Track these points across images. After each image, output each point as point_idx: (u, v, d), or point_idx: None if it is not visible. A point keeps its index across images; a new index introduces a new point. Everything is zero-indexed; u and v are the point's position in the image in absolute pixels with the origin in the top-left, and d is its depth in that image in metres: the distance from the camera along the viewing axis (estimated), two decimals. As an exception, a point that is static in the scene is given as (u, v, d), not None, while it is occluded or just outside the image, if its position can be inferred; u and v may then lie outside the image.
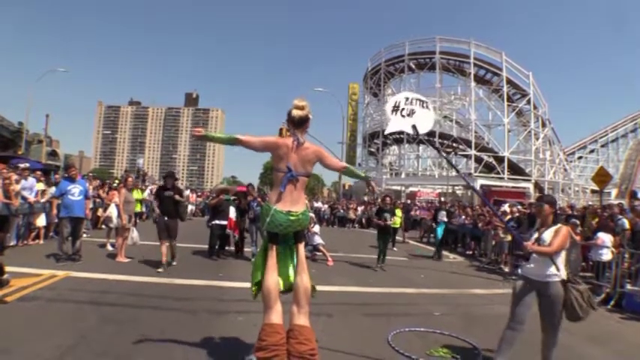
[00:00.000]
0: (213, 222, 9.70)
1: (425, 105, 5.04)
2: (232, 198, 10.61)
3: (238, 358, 3.70)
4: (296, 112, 3.31)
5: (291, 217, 3.23)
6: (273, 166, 3.37)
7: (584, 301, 3.68)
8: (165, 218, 7.96)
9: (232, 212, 10.05)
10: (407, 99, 5.00)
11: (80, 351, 3.66)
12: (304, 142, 3.30)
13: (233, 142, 3.35)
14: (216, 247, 9.74)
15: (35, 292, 5.46)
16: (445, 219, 13.68)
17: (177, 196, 8.13)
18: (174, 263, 8.19)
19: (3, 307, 4.74)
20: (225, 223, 9.72)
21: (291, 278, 3.33)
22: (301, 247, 3.38)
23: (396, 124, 5.13)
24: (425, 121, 5.05)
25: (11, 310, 4.72)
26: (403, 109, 4.92)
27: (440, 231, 13.35)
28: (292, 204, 3.26)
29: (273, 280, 3.17)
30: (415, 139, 43.62)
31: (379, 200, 14.90)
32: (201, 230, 10.51)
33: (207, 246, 9.81)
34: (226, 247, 10.23)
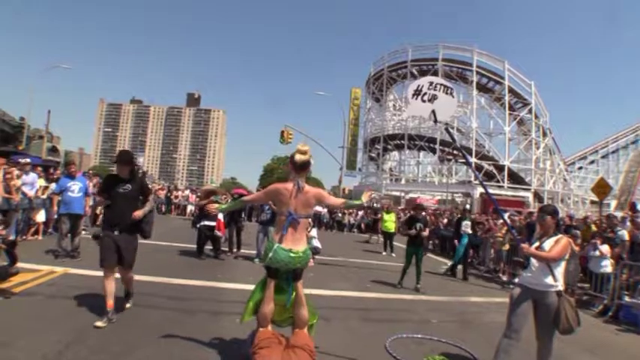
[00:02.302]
0: (202, 223, 9.70)
1: (449, 91, 4.90)
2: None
3: (236, 357, 3.72)
4: (299, 157, 3.49)
5: (292, 255, 3.41)
6: (276, 209, 3.65)
7: (575, 314, 3.69)
8: (115, 232, 4.58)
9: (220, 213, 10.11)
10: (431, 83, 4.88)
11: (78, 347, 3.66)
12: (304, 187, 3.47)
13: (241, 204, 4.01)
14: (204, 247, 9.77)
15: (34, 288, 5.46)
16: (469, 230, 11.30)
17: (139, 212, 4.71)
18: (129, 305, 5.07)
19: (2, 301, 4.75)
20: (213, 224, 9.74)
21: (286, 314, 3.64)
22: (300, 284, 3.53)
23: (415, 108, 5.05)
24: (446, 108, 4.92)
25: (10, 304, 4.72)
26: (425, 93, 4.80)
27: (463, 245, 11.10)
28: (294, 243, 3.45)
29: (269, 308, 3.46)
30: (422, 138, 43.72)
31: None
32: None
33: (208, 247, 9.84)
34: (222, 249, 10.23)
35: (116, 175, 4.77)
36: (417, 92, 4.84)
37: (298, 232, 3.48)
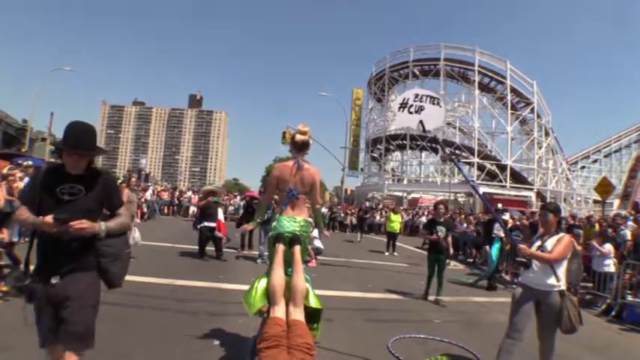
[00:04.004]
0: (202, 224, 9.72)
1: (436, 101, 4.95)
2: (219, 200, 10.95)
3: (239, 358, 3.73)
4: (299, 137, 3.67)
5: (294, 221, 3.58)
6: (278, 186, 3.71)
7: (577, 314, 3.67)
8: (53, 281, 2.35)
9: (220, 214, 10.21)
10: (416, 96, 4.94)
11: (80, 349, 3.66)
12: (303, 165, 3.65)
13: (267, 204, 4.03)
14: (206, 248, 9.79)
15: (36, 290, 5.47)
16: (502, 233, 9.80)
17: (91, 224, 2.34)
18: None
19: (3, 304, 4.76)
20: (213, 225, 9.77)
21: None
22: (297, 249, 3.50)
23: (402, 120, 5.11)
24: (434, 117, 4.97)
25: (11, 306, 4.73)
26: (411, 105, 4.86)
27: (495, 252, 9.75)
28: (294, 215, 3.63)
29: (279, 277, 3.31)
30: (424, 138, 43.79)
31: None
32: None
33: (210, 249, 9.87)
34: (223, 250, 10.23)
35: (59, 168, 2.46)
36: (404, 105, 4.91)
37: (298, 207, 3.65)
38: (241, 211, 12.89)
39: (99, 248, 2.46)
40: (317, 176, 3.72)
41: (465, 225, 16.13)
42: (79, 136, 2.41)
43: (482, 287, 9.57)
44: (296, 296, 3.27)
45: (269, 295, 3.30)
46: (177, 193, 25.94)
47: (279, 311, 3.19)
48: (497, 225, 9.86)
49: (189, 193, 26.17)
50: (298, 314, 3.22)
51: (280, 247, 3.47)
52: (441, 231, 7.51)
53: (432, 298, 7.52)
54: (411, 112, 4.85)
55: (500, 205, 11.03)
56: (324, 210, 25.22)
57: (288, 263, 3.49)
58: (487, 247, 10.04)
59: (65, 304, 2.35)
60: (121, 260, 2.59)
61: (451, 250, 7.77)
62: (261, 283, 3.45)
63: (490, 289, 9.23)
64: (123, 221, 2.60)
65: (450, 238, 7.78)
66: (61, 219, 2.23)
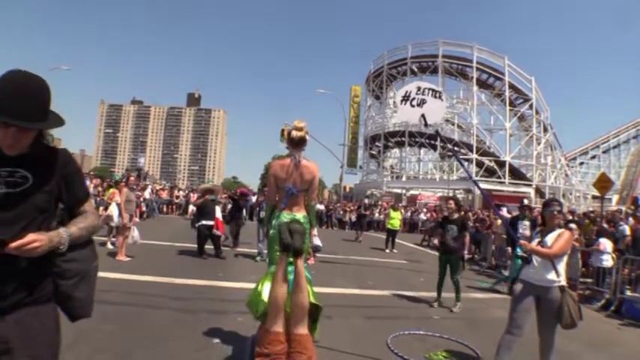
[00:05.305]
0: (200, 223, 9.71)
1: (438, 95, 4.91)
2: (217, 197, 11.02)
3: (239, 357, 3.72)
4: (295, 134, 3.58)
5: (294, 218, 3.52)
6: (277, 184, 3.64)
7: (577, 309, 3.67)
8: None
9: (218, 212, 10.21)
10: (419, 88, 4.89)
11: (80, 348, 3.65)
12: (301, 161, 3.58)
13: (272, 205, 3.77)
14: (205, 246, 9.79)
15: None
16: (528, 232, 8.32)
17: (36, 236, 1.37)
18: None
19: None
20: (211, 223, 9.77)
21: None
22: (300, 263, 3.34)
23: (404, 114, 5.05)
24: (435, 111, 4.94)
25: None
26: (414, 98, 4.82)
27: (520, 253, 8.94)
28: (294, 213, 3.59)
29: (282, 291, 3.20)
30: (423, 135, 43.79)
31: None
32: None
33: (209, 247, 9.89)
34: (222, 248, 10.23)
35: None
36: (406, 98, 4.87)
37: (297, 205, 3.61)
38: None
39: (58, 266, 1.62)
40: (317, 172, 3.67)
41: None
42: (11, 97, 1.46)
43: (478, 280, 9.36)
44: (298, 315, 3.15)
45: (270, 307, 3.18)
46: (184, 193, 26.06)
47: (278, 325, 3.11)
48: (523, 224, 8.89)
49: (188, 192, 26.22)
50: (301, 328, 3.14)
51: (283, 261, 3.29)
52: (451, 229, 6.85)
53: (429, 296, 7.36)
54: (413, 106, 4.81)
55: (525, 201, 10.31)
56: (321, 207, 25.24)
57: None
58: (509, 249, 9.02)
59: (11, 354, 1.49)
60: (89, 280, 1.72)
61: (465, 252, 6.86)
62: (266, 288, 3.33)
63: (510, 294, 8.47)
64: (91, 223, 1.71)
65: (465, 238, 7.02)
66: None
